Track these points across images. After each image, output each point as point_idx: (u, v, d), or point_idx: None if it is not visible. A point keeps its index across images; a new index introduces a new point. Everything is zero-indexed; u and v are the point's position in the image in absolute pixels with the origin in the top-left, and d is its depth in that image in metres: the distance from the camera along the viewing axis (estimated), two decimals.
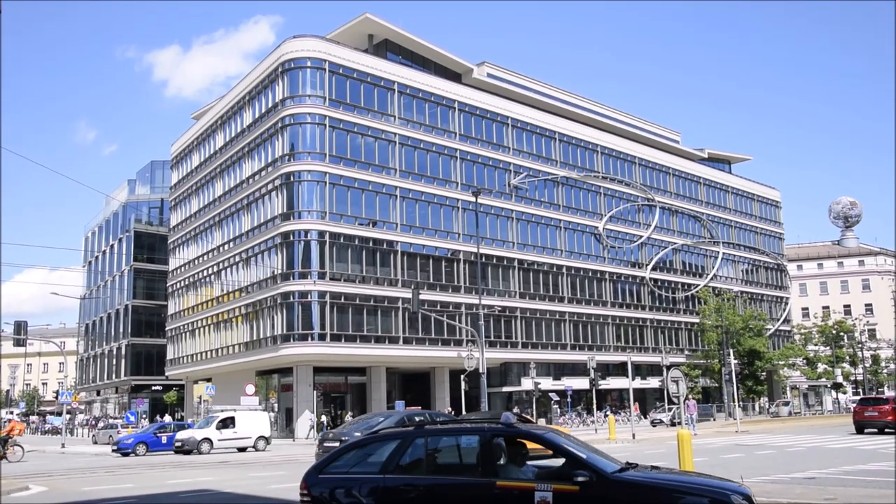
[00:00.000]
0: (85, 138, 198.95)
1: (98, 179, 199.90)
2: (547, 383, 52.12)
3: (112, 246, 78.81)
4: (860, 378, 75.99)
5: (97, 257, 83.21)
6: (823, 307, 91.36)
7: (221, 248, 52.25)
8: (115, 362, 75.75)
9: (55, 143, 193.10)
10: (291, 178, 44.61)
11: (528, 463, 7.56)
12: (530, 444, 7.62)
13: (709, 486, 6.92)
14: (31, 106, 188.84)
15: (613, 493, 6.78)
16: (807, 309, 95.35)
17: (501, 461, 7.35)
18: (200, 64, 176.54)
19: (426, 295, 44.08)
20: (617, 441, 31.49)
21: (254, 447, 33.54)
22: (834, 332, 77.88)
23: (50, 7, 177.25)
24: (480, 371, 37.73)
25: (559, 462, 7.23)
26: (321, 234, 43.80)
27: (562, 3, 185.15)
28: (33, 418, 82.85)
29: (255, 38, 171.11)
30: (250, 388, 42.44)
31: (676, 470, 8.15)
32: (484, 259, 48.64)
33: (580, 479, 6.74)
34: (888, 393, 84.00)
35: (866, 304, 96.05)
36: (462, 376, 42.43)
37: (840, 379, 74.75)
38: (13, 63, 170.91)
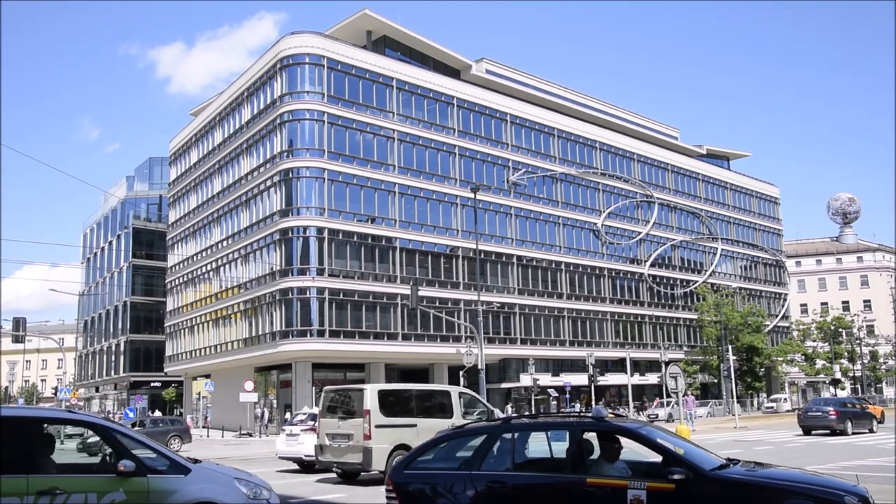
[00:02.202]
0: (88, 136, 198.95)
1: (100, 177, 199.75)
2: (546, 379, 52.16)
3: (111, 242, 78.77)
4: (858, 374, 76.09)
5: (96, 254, 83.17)
6: (822, 303, 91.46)
7: (220, 245, 52.24)
8: (113, 359, 75.75)
9: (58, 140, 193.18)
10: (290, 175, 44.58)
11: (621, 458, 7.23)
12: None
13: (821, 486, 6.50)
14: (34, 103, 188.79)
15: (712, 491, 6.46)
16: (805, 305, 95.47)
17: (592, 457, 7.11)
18: (203, 61, 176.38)
19: (425, 291, 44.08)
20: None
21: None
22: (832, 328, 78.01)
23: (54, 4, 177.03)
24: (479, 367, 37.78)
25: (653, 458, 7.00)
26: (320, 230, 43.78)
27: (561, 1, 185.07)
28: None
29: (259, 34, 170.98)
30: (249, 385, 42.47)
31: (782, 467, 7.59)
32: (483, 255, 48.62)
33: (676, 476, 6.44)
34: (887, 391, 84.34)
35: (865, 301, 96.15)
36: (461, 372, 42.46)
37: (838, 375, 74.88)
38: (18, 60, 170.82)
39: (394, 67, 48.61)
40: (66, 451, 7.95)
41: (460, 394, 18.97)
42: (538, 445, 7.56)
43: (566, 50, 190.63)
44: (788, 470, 7.54)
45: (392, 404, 17.07)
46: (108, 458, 6.95)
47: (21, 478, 6.27)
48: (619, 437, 7.19)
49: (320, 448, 17.35)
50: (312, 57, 45.22)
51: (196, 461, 7.43)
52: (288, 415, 43.15)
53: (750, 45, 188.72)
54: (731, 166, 79.03)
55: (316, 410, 20.60)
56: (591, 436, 7.16)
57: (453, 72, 53.81)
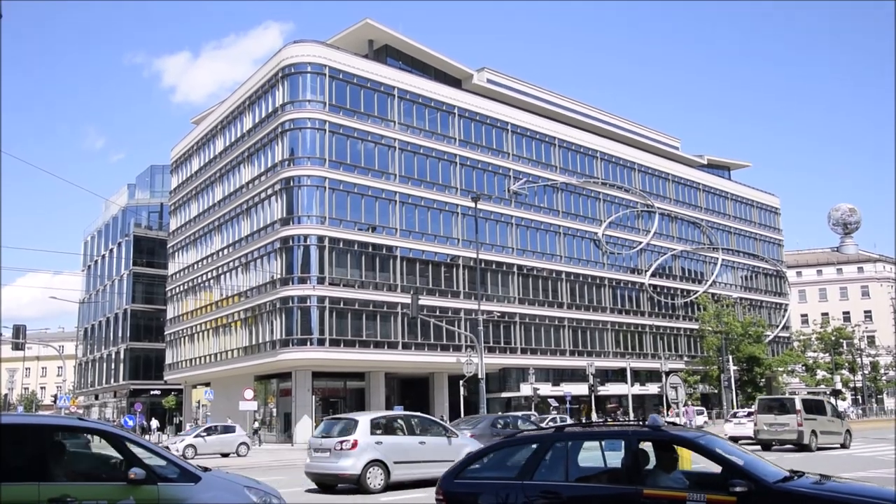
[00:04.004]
0: (94, 145, 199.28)
1: (104, 186, 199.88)
2: (546, 389, 52.07)
3: (111, 250, 78.76)
4: (859, 385, 75.94)
5: (96, 261, 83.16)
6: (822, 314, 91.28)
7: (221, 253, 52.25)
8: (113, 366, 75.65)
9: (64, 148, 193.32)
10: (291, 183, 44.62)
11: (678, 469, 6.98)
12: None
13: None
14: (40, 110, 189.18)
15: None
16: (806, 315, 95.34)
17: (648, 467, 6.88)
18: (209, 70, 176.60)
19: (425, 300, 44.06)
20: None
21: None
22: (833, 338, 77.85)
23: (61, 11, 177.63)
24: (479, 377, 37.72)
25: (712, 469, 6.74)
26: (320, 238, 43.80)
27: (562, 8, 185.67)
28: None
29: (265, 43, 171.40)
30: (249, 393, 42.40)
31: (852, 481, 7.07)
32: (483, 264, 48.60)
33: (738, 489, 6.13)
34: (888, 402, 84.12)
35: (865, 311, 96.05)
36: (461, 382, 42.41)
37: (839, 386, 74.71)
38: (26, 68, 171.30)
39: (395, 76, 48.73)
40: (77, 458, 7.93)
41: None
42: (591, 455, 7.44)
43: (568, 59, 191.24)
44: (862, 483, 7.06)
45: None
46: (118, 465, 6.97)
47: (32, 485, 6.30)
48: (676, 447, 6.99)
49: None
50: (314, 66, 45.33)
51: (206, 469, 7.44)
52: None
53: (751, 55, 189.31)
54: (731, 176, 79.08)
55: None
56: (647, 445, 6.96)
57: (454, 81, 53.93)
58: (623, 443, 6.93)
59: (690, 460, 7.23)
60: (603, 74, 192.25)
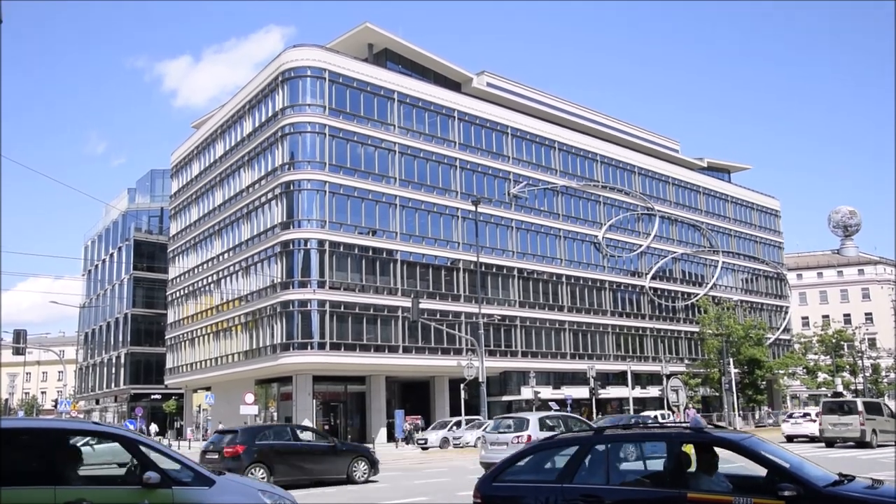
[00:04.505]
0: (95, 150, 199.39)
1: (105, 190, 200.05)
2: (547, 392, 52.01)
3: (112, 255, 78.81)
4: (860, 387, 75.85)
5: (97, 266, 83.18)
6: (823, 316, 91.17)
7: (221, 257, 52.27)
8: (114, 371, 75.64)
9: (66, 153, 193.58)
10: (291, 187, 44.66)
11: (720, 472, 6.78)
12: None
13: None
14: (42, 114, 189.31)
15: None
16: (807, 318, 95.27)
17: (690, 470, 6.72)
18: (210, 74, 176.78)
19: (426, 304, 44.06)
20: None
21: None
22: (834, 341, 77.75)
23: (63, 14, 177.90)
24: (480, 380, 37.73)
25: (755, 472, 6.58)
26: (321, 242, 43.82)
27: (561, 11, 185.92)
28: None
29: (266, 47, 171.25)
30: (249, 397, 42.31)
31: None
32: (483, 268, 48.62)
33: (787, 493, 5.92)
34: (889, 403, 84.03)
35: (866, 314, 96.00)
36: (462, 385, 42.38)
37: (840, 388, 74.54)
38: (27, 72, 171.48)
39: (395, 80, 48.78)
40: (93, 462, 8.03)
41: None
42: (631, 457, 7.35)
43: (567, 62, 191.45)
44: None
45: None
46: (133, 469, 7.00)
47: (48, 489, 6.33)
48: (717, 449, 6.80)
49: None
50: (314, 70, 45.40)
51: (220, 473, 7.45)
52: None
53: (751, 56, 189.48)
54: (731, 179, 79.11)
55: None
56: (689, 448, 6.82)
57: (454, 85, 53.99)
58: (665, 445, 6.80)
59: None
60: (602, 77, 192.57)
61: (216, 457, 18.65)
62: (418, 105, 49.81)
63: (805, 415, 37.53)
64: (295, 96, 45.66)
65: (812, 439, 33.28)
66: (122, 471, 7.25)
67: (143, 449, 7.04)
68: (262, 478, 17.73)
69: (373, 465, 20.46)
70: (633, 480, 7.03)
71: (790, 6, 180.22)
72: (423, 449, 36.82)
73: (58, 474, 6.51)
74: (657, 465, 6.87)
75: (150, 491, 6.62)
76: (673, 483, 6.50)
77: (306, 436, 21.57)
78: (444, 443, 37.55)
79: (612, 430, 7.65)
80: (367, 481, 19.90)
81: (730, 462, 6.93)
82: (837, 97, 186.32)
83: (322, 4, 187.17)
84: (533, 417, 21.52)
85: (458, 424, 39.55)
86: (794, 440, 34.24)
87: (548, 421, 21.38)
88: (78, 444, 7.47)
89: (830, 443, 29.96)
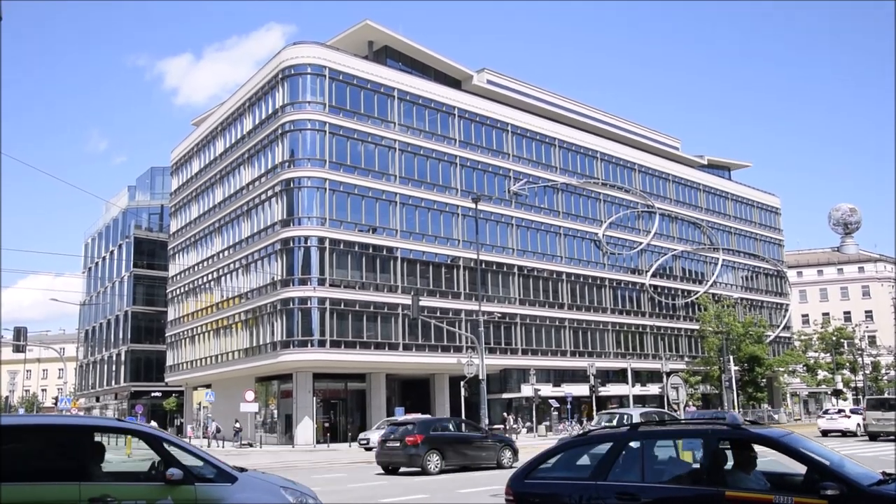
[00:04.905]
0: (97, 148, 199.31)
1: (106, 188, 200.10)
2: (547, 390, 52.01)
3: (112, 252, 78.79)
4: (860, 385, 75.91)
5: (97, 263, 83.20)
6: (823, 314, 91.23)
7: (221, 255, 52.25)
8: (114, 368, 75.68)
9: (68, 151, 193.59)
10: (291, 185, 44.64)
11: (757, 469, 6.57)
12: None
13: None
14: (43, 113, 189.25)
15: None
16: (807, 315, 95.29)
17: (727, 467, 6.55)
18: (211, 72, 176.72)
19: (426, 301, 44.05)
20: None
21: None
22: (834, 338, 77.82)
23: (65, 13, 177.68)
24: (480, 378, 37.70)
25: (793, 469, 6.42)
26: (321, 240, 43.80)
27: (562, 9, 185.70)
28: None
29: (267, 45, 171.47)
30: (250, 395, 42.42)
31: None
32: (484, 265, 48.61)
33: (829, 492, 5.74)
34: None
35: (866, 311, 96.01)
36: (462, 383, 42.41)
37: (840, 386, 74.72)
38: (28, 70, 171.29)
39: (395, 78, 48.73)
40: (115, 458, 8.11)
41: None
42: (666, 454, 7.19)
43: (568, 59, 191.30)
44: None
45: None
46: (156, 466, 7.05)
47: (73, 485, 6.39)
48: (754, 446, 6.61)
49: None
50: (314, 67, 45.34)
51: (242, 469, 7.47)
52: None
53: (751, 55, 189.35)
54: (732, 177, 79.05)
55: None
56: (724, 445, 6.67)
57: (454, 82, 53.93)
58: (702, 442, 6.66)
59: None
60: (603, 74, 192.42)
61: (398, 444, 21.73)
62: (418, 102, 49.76)
63: (840, 411, 40.50)
64: (295, 94, 45.61)
65: (844, 433, 36.00)
66: (146, 467, 7.30)
67: (166, 445, 7.08)
68: (437, 462, 21.18)
69: (515, 453, 22.95)
70: (669, 478, 6.84)
71: (790, 6, 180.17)
72: (367, 450, 34.64)
73: (83, 470, 6.57)
74: (695, 462, 6.73)
75: (172, 487, 6.67)
76: (710, 481, 6.34)
77: (465, 428, 24.61)
78: None
79: (647, 427, 7.48)
80: (510, 467, 21.08)
81: (759, 458, 6.83)
82: (837, 95, 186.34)
83: (323, 2, 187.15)
84: (636, 412, 24.66)
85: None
86: (828, 434, 36.30)
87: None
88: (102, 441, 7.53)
89: (874, 436, 31.84)
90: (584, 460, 7.28)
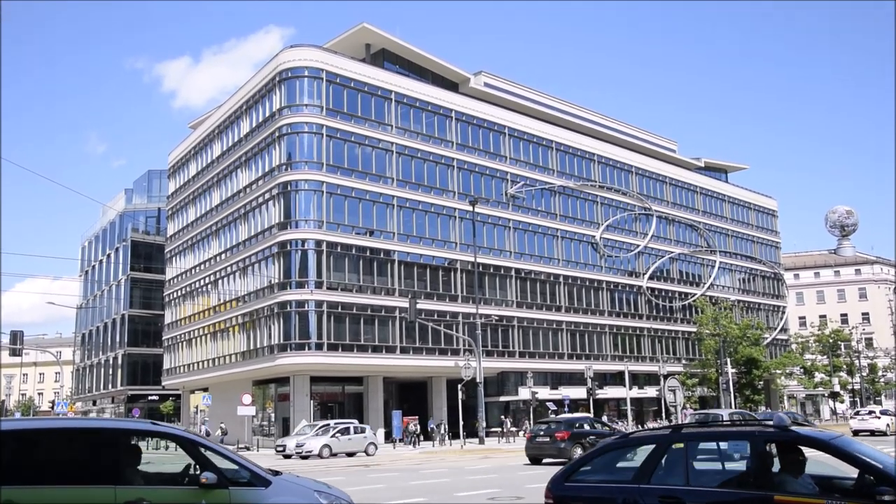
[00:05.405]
0: (95, 151, 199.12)
1: (104, 191, 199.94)
2: (544, 392, 52.00)
3: (109, 255, 78.71)
4: (857, 387, 76.01)
5: (94, 267, 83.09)
6: (820, 316, 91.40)
7: (218, 258, 52.20)
8: (111, 372, 75.56)
9: (65, 154, 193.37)
10: (288, 188, 44.62)
11: (806, 473, 6.33)
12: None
13: None
14: (42, 115, 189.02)
15: None
16: (804, 318, 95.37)
17: (774, 471, 6.34)
18: (209, 75, 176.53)
19: (423, 304, 44.04)
20: None
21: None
22: (831, 340, 77.93)
23: (63, 15, 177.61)
24: (477, 380, 37.74)
25: (844, 473, 6.20)
26: (318, 243, 43.78)
27: (559, 11, 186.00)
28: None
29: (265, 47, 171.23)
30: (247, 398, 42.33)
31: None
32: (481, 268, 48.64)
33: (887, 497, 5.48)
34: (886, 404, 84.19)
35: (863, 313, 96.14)
36: (459, 385, 42.36)
37: (837, 388, 74.76)
38: (27, 72, 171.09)
39: (392, 80, 48.75)
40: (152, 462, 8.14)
41: None
42: (710, 457, 7.06)
43: (565, 62, 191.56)
44: None
45: None
46: (191, 470, 7.06)
47: (109, 488, 6.42)
48: (804, 449, 6.35)
49: None
50: (311, 70, 45.36)
51: (276, 473, 7.45)
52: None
53: (750, 56, 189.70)
54: (729, 179, 79.20)
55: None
56: (771, 447, 6.47)
57: (452, 85, 53.99)
58: (749, 444, 6.46)
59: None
60: (600, 77, 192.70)
61: (547, 440, 25.55)
62: (416, 105, 49.78)
63: (870, 412, 42.34)
64: (292, 96, 45.62)
65: (873, 433, 37.55)
66: (180, 470, 7.32)
67: (201, 449, 7.08)
68: (580, 454, 22.02)
69: None
70: (714, 481, 6.65)
71: (790, 6, 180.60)
72: (285, 457, 34.14)
73: (119, 474, 6.60)
74: (741, 465, 6.51)
75: (207, 491, 6.68)
76: (758, 485, 6.15)
77: (598, 426, 28.45)
78: (325, 449, 34.05)
79: (690, 428, 7.32)
80: None
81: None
82: (835, 97, 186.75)
83: (322, 5, 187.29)
84: (725, 413, 30.46)
85: (346, 431, 35.73)
86: (859, 434, 37.13)
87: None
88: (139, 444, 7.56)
89: None
90: (626, 463, 7.17)
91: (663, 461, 6.73)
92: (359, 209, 45.77)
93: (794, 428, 6.47)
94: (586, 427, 27.24)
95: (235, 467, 7.06)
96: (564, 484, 7.10)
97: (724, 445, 7.12)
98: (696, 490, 6.40)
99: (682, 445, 6.79)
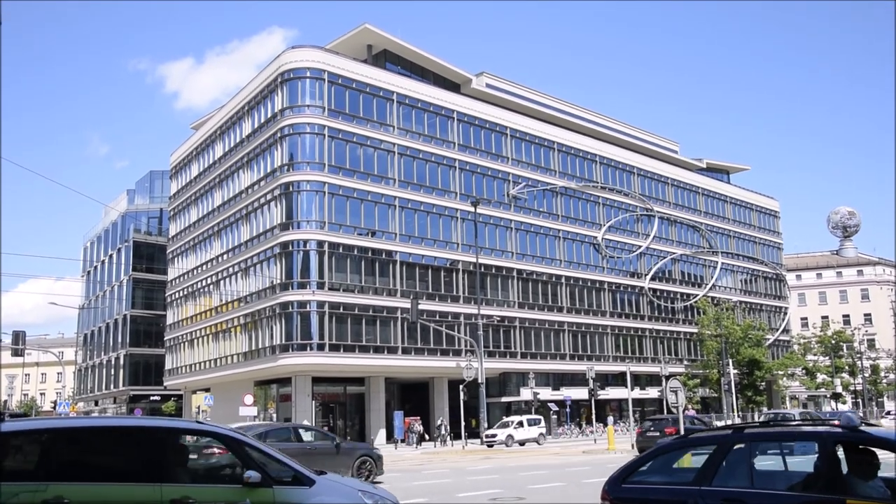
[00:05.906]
0: (97, 151, 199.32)
1: (107, 192, 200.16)
2: (546, 393, 52.04)
3: (111, 256, 78.77)
4: (859, 388, 75.90)
5: (96, 267, 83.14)
6: (822, 317, 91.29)
7: (220, 258, 52.24)
8: (113, 372, 75.58)
9: (67, 154, 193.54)
10: (290, 188, 44.65)
11: (878, 477, 6.03)
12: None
13: None
14: (45, 116, 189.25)
15: None
16: (806, 319, 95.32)
17: (843, 472, 6.04)
18: (211, 76, 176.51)
19: (425, 305, 44.06)
20: (616, 451, 31.44)
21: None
22: (833, 342, 77.82)
23: (66, 16, 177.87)
24: (479, 381, 37.74)
25: None
26: (320, 244, 43.81)
27: (561, 12, 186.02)
28: None
29: (268, 48, 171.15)
30: (249, 399, 42.26)
31: None
32: (483, 269, 48.65)
33: None
34: (888, 405, 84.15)
35: (865, 314, 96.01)
36: (461, 386, 42.37)
37: (839, 389, 74.64)
38: (30, 73, 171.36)
39: (394, 81, 48.78)
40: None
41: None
42: (774, 458, 6.83)
43: (567, 62, 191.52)
44: None
45: None
46: (235, 468, 7.09)
47: (155, 486, 6.49)
48: (877, 451, 6.01)
49: None
50: (313, 71, 45.40)
51: (321, 472, 7.47)
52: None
53: (750, 57, 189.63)
54: (730, 180, 79.18)
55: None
56: (841, 448, 6.18)
57: (453, 86, 54.01)
58: (817, 445, 6.18)
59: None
60: (602, 78, 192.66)
61: (657, 434, 27.23)
62: (417, 106, 49.81)
63: None
64: (294, 97, 45.65)
65: None
66: (226, 469, 7.38)
67: (245, 448, 7.12)
68: None
69: None
70: (779, 484, 6.45)
71: (790, 6, 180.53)
72: None
73: (165, 472, 6.68)
74: (809, 467, 6.27)
75: (251, 490, 6.71)
76: (828, 488, 5.87)
77: (696, 422, 30.59)
78: None
79: (753, 429, 7.09)
80: None
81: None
82: (836, 97, 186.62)
83: (325, 5, 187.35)
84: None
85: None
86: None
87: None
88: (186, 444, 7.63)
89: None
90: (685, 464, 7.03)
91: (724, 463, 6.51)
92: (361, 210, 45.80)
93: (864, 428, 6.19)
94: (687, 424, 28.72)
95: (279, 467, 7.09)
96: (622, 486, 6.93)
97: (795, 446, 6.88)
98: (762, 493, 6.19)
99: (743, 446, 6.61)
